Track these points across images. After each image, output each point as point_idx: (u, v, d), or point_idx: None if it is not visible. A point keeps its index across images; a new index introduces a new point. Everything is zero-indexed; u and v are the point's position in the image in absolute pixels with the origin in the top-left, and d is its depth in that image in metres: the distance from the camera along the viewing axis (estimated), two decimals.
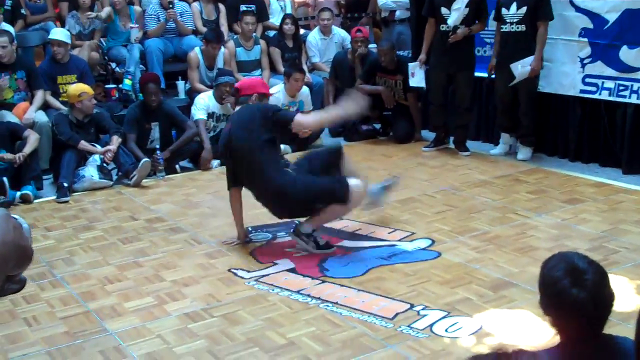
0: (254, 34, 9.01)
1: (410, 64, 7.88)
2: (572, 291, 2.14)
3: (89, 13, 8.87)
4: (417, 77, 7.81)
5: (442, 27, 7.41)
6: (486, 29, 7.57)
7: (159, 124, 7.42)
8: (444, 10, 7.36)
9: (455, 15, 7.30)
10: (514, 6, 7.00)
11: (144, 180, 6.98)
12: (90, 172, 6.88)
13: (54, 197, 6.63)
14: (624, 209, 5.73)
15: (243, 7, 9.38)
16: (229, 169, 5.23)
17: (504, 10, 7.10)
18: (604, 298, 2.18)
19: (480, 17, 7.38)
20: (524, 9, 6.95)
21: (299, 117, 5.23)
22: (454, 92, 7.82)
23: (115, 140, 7.07)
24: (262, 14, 9.53)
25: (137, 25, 8.95)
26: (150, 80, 7.45)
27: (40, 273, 4.95)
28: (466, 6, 7.26)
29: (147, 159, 6.97)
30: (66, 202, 6.54)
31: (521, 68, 6.94)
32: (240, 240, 5.32)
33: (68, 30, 8.51)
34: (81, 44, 8.66)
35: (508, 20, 7.07)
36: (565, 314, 2.17)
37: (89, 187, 6.84)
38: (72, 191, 6.73)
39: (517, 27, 7.03)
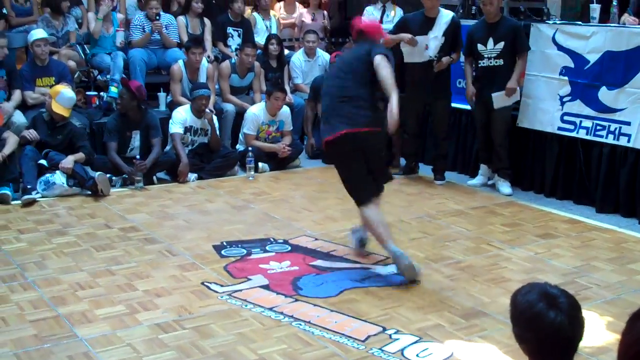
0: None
1: None
2: (550, 314, 2.17)
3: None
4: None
5: (423, 57, 7.38)
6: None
7: (139, 132, 7.41)
8: (420, 39, 7.33)
9: (433, 44, 7.33)
10: (490, 42, 7.08)
11: (121, 190, 6.94)
12: (60, 179, 6.82)
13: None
14: (596, 246, 5.79)
15: (230, 30, 9.43)
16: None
17: (480, 47, 7.15)
18: (579, 320, 2.21)
19: (456, 47, 7.42)
20: (501, 44, 7.04)
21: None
22: (432, 122, 7.87)
23: (78, 155, 7.00)
24: (248, 34, 9.55)
25: (122, 29, 8.91)
26: (123, 85, 7.48)
27: (11, 275, 4.92)
28: (442, 35, 7.32)
29: (101, 173, 6.92)
30: (33, 200, 6.53)
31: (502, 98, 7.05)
32: None
33: None
34: (56, 50, 8.42)
35: (486, 56, 7.14)
36: (543, 338, 2.18)
37: (59, 194, 6.80)
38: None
39: (496, 62, 7.11)
